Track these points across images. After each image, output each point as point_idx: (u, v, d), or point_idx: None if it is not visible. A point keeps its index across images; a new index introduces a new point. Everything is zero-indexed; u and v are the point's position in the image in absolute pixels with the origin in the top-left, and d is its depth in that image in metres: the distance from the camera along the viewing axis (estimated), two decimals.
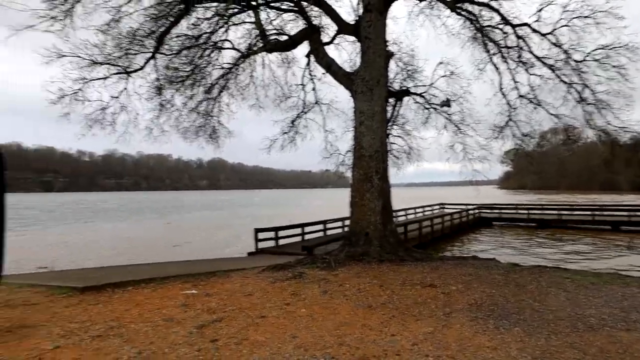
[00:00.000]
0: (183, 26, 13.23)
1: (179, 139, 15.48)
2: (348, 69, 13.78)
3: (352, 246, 11.30)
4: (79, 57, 12.22)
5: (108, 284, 8.06)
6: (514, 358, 4.54)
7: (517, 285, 8.02)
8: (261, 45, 14.41)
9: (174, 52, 13.51)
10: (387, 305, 6.65)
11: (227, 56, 15.37)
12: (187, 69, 13.94)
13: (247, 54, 14.89)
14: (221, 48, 14.67)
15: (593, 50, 12.81)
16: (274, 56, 16.32)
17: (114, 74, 13.16)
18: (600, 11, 12.33)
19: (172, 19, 12.56)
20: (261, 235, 15.38)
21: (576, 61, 13.18)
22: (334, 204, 54.30)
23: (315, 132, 17.91)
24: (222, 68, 15.04)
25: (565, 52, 13.25)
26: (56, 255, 19.54)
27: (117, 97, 13.57)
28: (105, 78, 13.04)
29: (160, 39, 12.89)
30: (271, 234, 15.76)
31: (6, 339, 5.16)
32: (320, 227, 19.01)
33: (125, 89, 13.61)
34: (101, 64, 12.68)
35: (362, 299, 7.07)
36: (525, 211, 29.78)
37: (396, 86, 16.04)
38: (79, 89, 12.63)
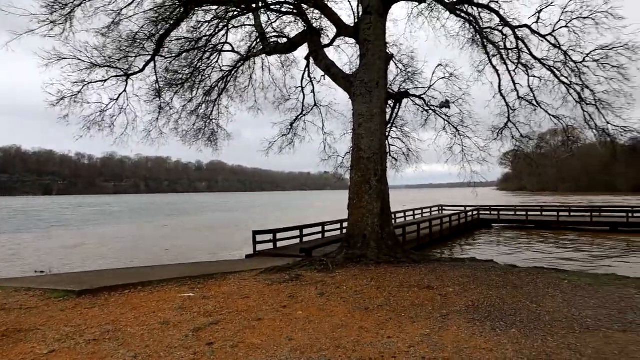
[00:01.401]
0: (183, 29, 13.29)
1: (178, 141, 15.52)
2: (347, 72, 13.81)
3: (350, 248, 11.29)
4: (79, 59, 12.24)
5: (105, 287, 8.06)
6: (510, 359, 4.54)
7: (514, 287, 8.02)
8: (261, 47, 14.44)
9: (173, 54, 13.54)
10: (384, 308, 6.65)
11: (227, 59, 15.55)
12: (187, 72, 13.98)
13: (246, 56, 14.93)
14: (221, 51, 14.72)
15: (592, 51, 12.83)
16: (274, 59, 16.39)
17: (114, 76, 13.19)
18: (599, 12, 12.35)
19: (172, 22, 12.57)
20: (259, 238, 15.35)
21: (575, 62, 13.20)
22: (333, 206, 54.37)
23: (314, 134, 17.96)
24: (222, 70, 15.09)
25: (565, 53, 13.27)
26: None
27: (116, 100, 13.60)
28: (104, 81, 13.07)
29: (160, 41, 12.90)
30: (269, 236, 15.74)
31: (1, 343, 5.15)
32: (319, 229, 19.01)
33: (125, 91, 13.66)
34: (101, 66, 12.71)
35: (359, 301, 7.06)
36: (524, 213, 29.77)
37: (395, 88, 16.05)
38: (78, 92, 12.65)
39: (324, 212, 46.44)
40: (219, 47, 14.58)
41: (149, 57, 13.21)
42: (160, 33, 12.70)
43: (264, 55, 15.43)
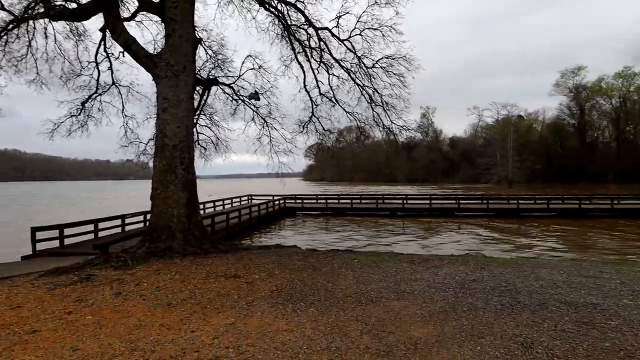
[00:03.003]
0: None
1: None
2: (152, 51, 12.74)
3: (154, 241, 10.54)
4: None
5: None
6: (309, 337, 4.84)
7: (314, 269, 8.66)
8: (42, 10, 12.16)
9: None
10: (188, 301, 6.37)
11: None
12: None
13: (21, 18, 12.37)
14: None
15: (380, 59, 14.75)
16: (61, 25, 14.00)
17: None
18: (386, 25, 14.27)
19: None
20: (40, 235, 12.95)
21: (367, 67, 14.98)
22: (137, 197, 50.12)
23: (114, 117, 16.13)
24: None
25: (359, 58, 14.91)
26: None
27: None
28: None
29: None
30: (54, 233, 13.48)
31: None
32: (118, 222, 17.21)
33: None
34: None
35: (161, 297, 6.61)
36: (324, 201, 32.70)
37: (204, 74, 15.55)
38: None
39: (124, 203, 42.44)
40: None
41: None
42: None
43: (47, 20, 13.07)
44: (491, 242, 18.53)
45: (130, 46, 12.02)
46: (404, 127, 15.44)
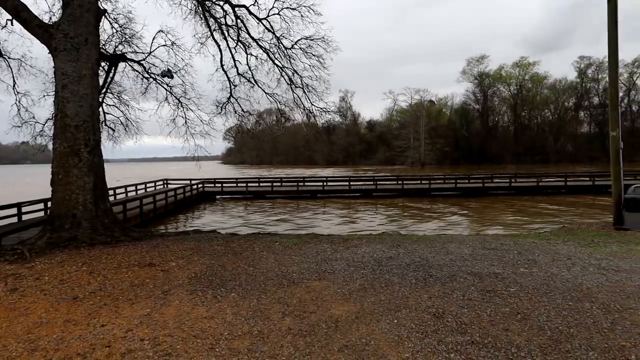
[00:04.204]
0: None
1: None
2: (48, 21, 11.44)
3: (56, 231, 9.65)
4: None
5: None
6: (230, 322, 4.74)
7: (234, 254, 8.50)
8: None
9: None
10: (97, 294, 5.92)
11: None
12: None
13: None
14: None
15: (299, 40, 14.60)
16: None
17: None
18: (304, 5, 14.12)
19: None
20: None
21: (286, 48, 14.75)
22: (36, 183, 45.62)
23: (3, 94, 14.35)
24: None
25: (278, 38, 14.63)
26: None
27: None
28: None
29: None
30: None
31: None
32: (13, 211, 15.48)
33: None
34: None
35: (66, 291, 6.08)
36: (244, 184, 32.17)
37: (110, 50, 14.33)
38: None
39: (22, 191, 38.37)
40: None
41: None
42: None
43: None
44: (406, 220, 19.52)
45: (19, 13, 10.65)
46: (324, 110, 15.53)
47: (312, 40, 14.43)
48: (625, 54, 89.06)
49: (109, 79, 14.05)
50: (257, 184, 33.35)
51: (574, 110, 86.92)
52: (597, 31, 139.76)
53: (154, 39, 14.50)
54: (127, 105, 15.98)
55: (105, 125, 15.25)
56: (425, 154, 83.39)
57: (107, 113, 15.38)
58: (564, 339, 4.13)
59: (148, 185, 30.29)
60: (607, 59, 11.96)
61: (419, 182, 32.71)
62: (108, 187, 11.83)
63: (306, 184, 32.97)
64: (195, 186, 29.39)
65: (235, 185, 33.02)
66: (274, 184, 32.39)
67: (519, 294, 5.54)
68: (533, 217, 19.45)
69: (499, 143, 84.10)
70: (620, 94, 63.11)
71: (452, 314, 4.84)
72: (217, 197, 31.31)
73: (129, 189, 26.71)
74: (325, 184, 31.70)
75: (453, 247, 8.84)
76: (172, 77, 14.74)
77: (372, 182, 31.89)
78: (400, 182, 31.53)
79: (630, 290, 5.63)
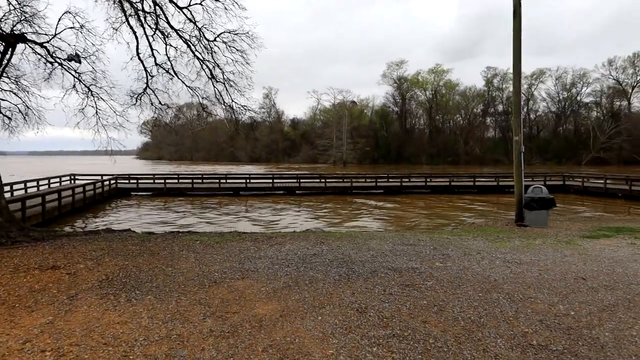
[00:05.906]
0: None
1: None
2: None
3: None
4: None
5: None
6: (146, 327, 4.43)
7: (151, 254, 8.02)
8: None
9: None
10: None
11: None
12: None
13: None
14: None
15: (222, 33, 14.09)
16: None
17: None
18: None
19: None
20: None
21: (208, 40, 14.18)
22: None
23: None
24: None
25: (200, 29, 14.02)
26: None
27: None
28: None
29: None
30: None
31: None
32: None
33: None
34: None
35: None
36: (162, 181, 30.68)
37: (7, 29, 12.80)
38: None
39: None
40: None
41: None
42: None
43: None
44: (328, 218, 19.82)
45: None
46: (246, 108, 15.21)
47: (235, 34, 14.02)
48: (526, 67, 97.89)
49: (5, 62, 12.55)
50: (176, 181, 31.97)
51: (482, 116, 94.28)
52: (503, 42, 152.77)
53: (59, 20, 13.14)
54: (27, 92, 14.31)
55: (0, 113, 13.63)
56: (347, 153, 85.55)
57: (3, 99, 13.72)
58: (475, 328, 4.40)
59: (53, 181, 27.68)
60: (511, 70, 13.05)
61: (341, 180, 33.41)
62: (3, 182, 10.60)
63: (228, 181, 32.26)
64: (107, 182, 27.45)
65: (152, 181, 31.42)
66: (195, 180, 31.26)
67: (435, 287, 5.82)
68: (448, 212, 20.72)
69: (416, 144, 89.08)
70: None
71: (374, 309, 4.95)
72: (133, 194, 29.52)
73: (29, 184, 24.24)
74: (248, 181, 31.24)
75: (374, 243, 9.10)
76: (79, 62, 13.47)
77: (295, 180, 31.97)
78: (323, 180, 31.96)
79: (530, 280, 6.17)
